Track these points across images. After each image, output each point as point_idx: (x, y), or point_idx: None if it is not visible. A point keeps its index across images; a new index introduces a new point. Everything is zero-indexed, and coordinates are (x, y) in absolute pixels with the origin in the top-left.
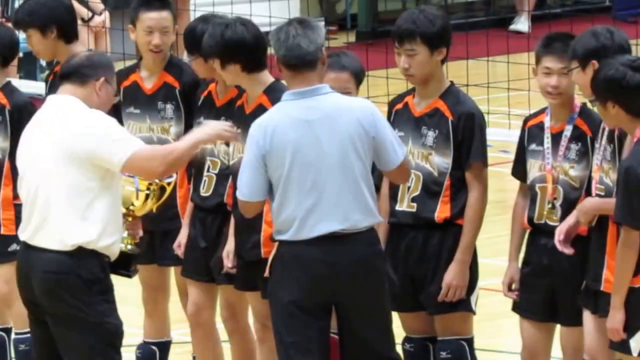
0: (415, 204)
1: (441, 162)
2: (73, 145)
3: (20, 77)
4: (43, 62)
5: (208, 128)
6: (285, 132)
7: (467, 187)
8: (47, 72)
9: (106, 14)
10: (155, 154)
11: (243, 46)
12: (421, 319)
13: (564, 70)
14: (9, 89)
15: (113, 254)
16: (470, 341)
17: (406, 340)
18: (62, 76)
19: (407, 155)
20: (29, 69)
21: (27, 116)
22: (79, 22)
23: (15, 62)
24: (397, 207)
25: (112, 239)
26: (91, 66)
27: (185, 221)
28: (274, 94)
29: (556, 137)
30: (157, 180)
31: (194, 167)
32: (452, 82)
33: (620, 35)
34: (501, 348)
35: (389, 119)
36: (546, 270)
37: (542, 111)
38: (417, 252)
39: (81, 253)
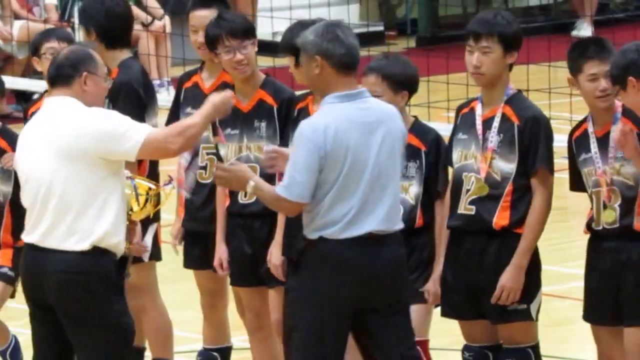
0: (473, 207)
1: (505, 167)
2: (82, 147)
3: None
4: None
5: (215, 101)
6: (345, 134)
7: (528, 196)
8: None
9: (166, 19)
10: (170, 132)
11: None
12: (481, 327)
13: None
14: None
15: (119, 252)
16: (535, 347)
17: (465, 348)
18: (50, 82)
19: None
20: None
21: None
22: (139, 26)
23: None
24: (458, 211)
25: (120, 237)
26: (70, 65)
27: (219, 237)
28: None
29: (603, 140)
30: (153, 186)
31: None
32: (518, 90)
33: None
34: (567, 354)
35: (455, 123)
36: (610, 273)
37: (583, 121)
38: (475, 260)
39: (95, 252)
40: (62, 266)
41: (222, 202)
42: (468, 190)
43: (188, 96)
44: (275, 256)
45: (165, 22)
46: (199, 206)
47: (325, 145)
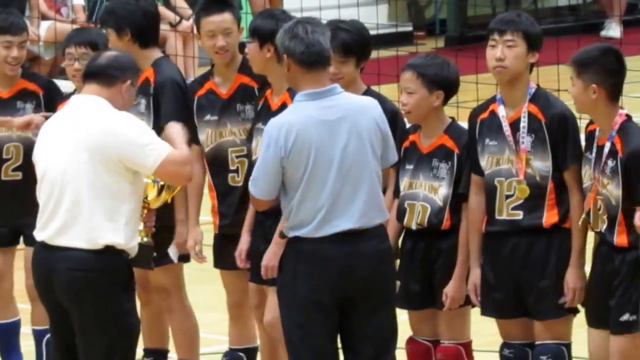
0: (520, 212)
1: (541, 165)
2: (105, 148)
3: None
4: None
5: None
6: (307, 133)
7: (568, 190)
8: None
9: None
10: (188, 158)
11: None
12: (521, 325)
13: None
14: None
15: (133, 253)
16: (569, 346)
17: (505, 346)
18: (87, 75)
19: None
20: None
21: None
22: (167, 26)
23: None
24: (497, 216)
25: (136, 240)
26: (119, 67)
27: (245, 228)
28: None
29: (600, 149)
30: None
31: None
32: (538, 86)
33: None
34: None
35: (472, 130)
36: (601, 277)
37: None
38: (521, 258)
39: (109, 252)
40: (72, 264)
41: None
42: (509, 196)
43: (204, 104)
44: (268, 257)
45: (192, 22)
46: (234, 210)
47: (286, 145)
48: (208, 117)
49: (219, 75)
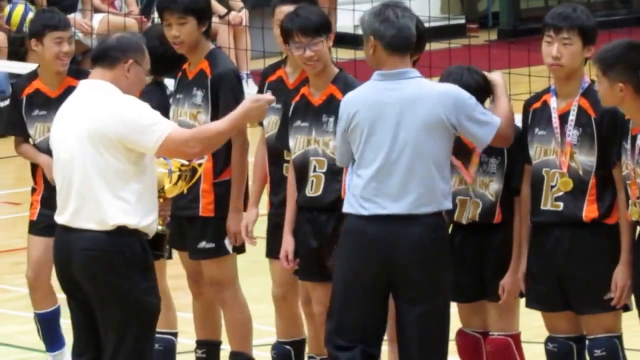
0: (561, 203)
1: (586, 160)
2: (105, 130)
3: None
4: None
5: (247, 108)
6: (364, 112)
7: (612, 186)
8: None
9: (245, 12)
10: (193, 135)
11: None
12: (567, 318)
13: None
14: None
15: (152, 232)
16: (620, 338)
17: (549, 339)
18: (93, 59)
19: (500, 122)
20: None
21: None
22: (217, 19)
23: None
24: (542, 207)
25: (151, 218)
26: (120, 48)
27: (287, 228)
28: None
29: (634, 139)
30: (186, 162)
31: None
32: (592, 81)
33: None
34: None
35: (525, 120)
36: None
37: None
38: (564, 252)
39: (122, 232)
40: (87, 244)
41: (292, 194)
42: (553, 187)
43: (273, 90)
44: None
45: (243, 15)
46: (282, 200)
47: (348, 120)
48: (273, 104)
49: (291, 64)
